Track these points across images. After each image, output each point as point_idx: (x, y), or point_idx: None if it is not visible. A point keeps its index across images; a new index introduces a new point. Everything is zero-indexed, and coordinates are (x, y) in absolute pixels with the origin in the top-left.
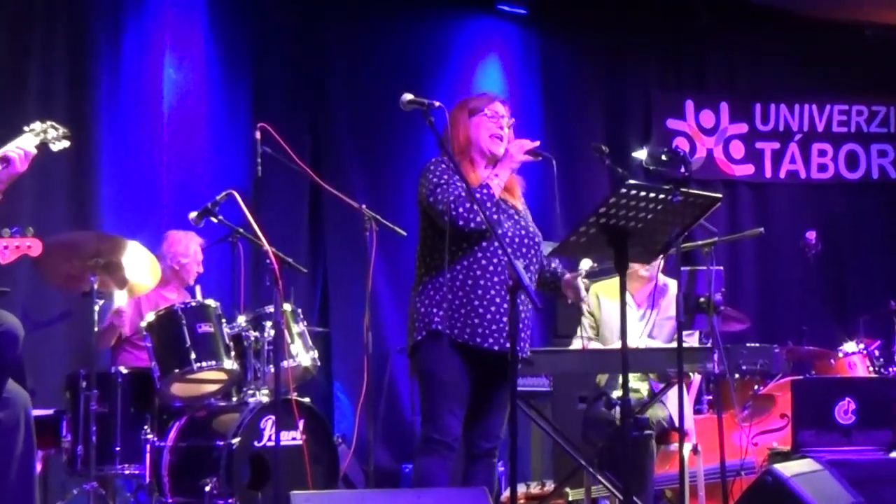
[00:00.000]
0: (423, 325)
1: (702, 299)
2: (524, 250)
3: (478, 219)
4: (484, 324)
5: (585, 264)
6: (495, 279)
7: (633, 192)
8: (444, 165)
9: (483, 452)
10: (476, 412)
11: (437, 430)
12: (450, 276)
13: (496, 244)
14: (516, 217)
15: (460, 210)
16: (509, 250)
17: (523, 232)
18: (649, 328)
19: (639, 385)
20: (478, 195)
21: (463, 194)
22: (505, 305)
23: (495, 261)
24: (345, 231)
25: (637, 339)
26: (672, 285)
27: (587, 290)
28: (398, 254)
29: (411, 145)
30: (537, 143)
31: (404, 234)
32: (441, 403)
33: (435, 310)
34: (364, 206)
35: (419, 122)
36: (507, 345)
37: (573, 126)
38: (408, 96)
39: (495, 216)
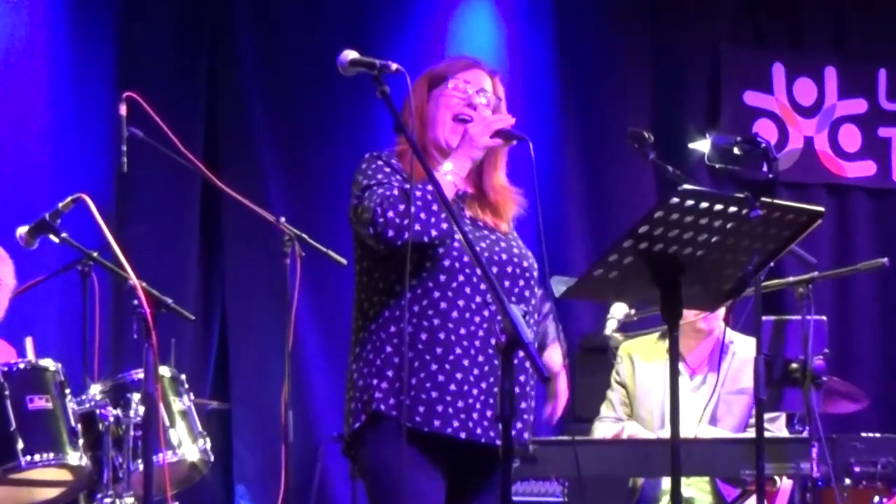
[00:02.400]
0: (361, 404)
1: (794, 365)
2: (507, 283)
3: (415, 227)
4: (446, 399)
5: (618, 311)
6: (461, 331)
7: (690, 202)
8: (380, 162)
9: None
10: None
11: None
12: (394, 328)
13: (462, 278)
14: (494, 237)
15: (388, 214)
16: (496, 283)
17: (505, 256)
18: (711, 408)
19: (697, 495)
20: (418, 193)
21: (397, 194)
22: (476, 371)
23: (461, 303)
24: (254, 257)
25: (693, 424)
26: (746, 344)
27: (617, 348)
28: (335, 292)
29: (358, 130)
30: (511, 121)
31: (344, 262)
32: None
33: (376, 381)
34: (283, 220)
35: (369, 95)
36: (481, 431)
37: (601, 103)
38: (350, 54)
39: (444, 225)
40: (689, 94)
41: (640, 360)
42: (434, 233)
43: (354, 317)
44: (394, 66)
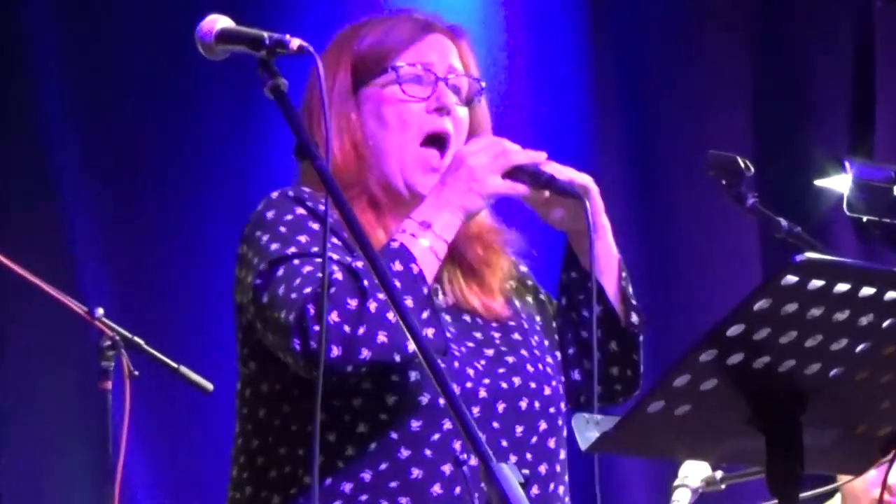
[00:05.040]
0: None
1: None
2: (521, 430)
3: (379, 339)
4: None
5: (694, 474)
6: None
7: (818, 282)
8: (299, 210)
9: None
10: None
11: None
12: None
13: (450, 425)
14: (493, 338)
15: (331, 319)
16: (483, 436)
17: (517, 381)
18: None
19: None
20: (370, 276)
21: (342, 278)
22: None
23: (447, 469)
24: (48, 374)
25: None
26: None
27: None
28: (192, 440)
29: (234, 155)
30: (543, 156)
31: (209, 387)
32: None
33: None
34: (101, 314)
35: (253, 92)
36: None
37: (660, 107)
38: (219, 22)
39: (430, 332)
40: (816, 91)
41: None
42: (412, 348)
43: (232, 480)
44: (295, 41)
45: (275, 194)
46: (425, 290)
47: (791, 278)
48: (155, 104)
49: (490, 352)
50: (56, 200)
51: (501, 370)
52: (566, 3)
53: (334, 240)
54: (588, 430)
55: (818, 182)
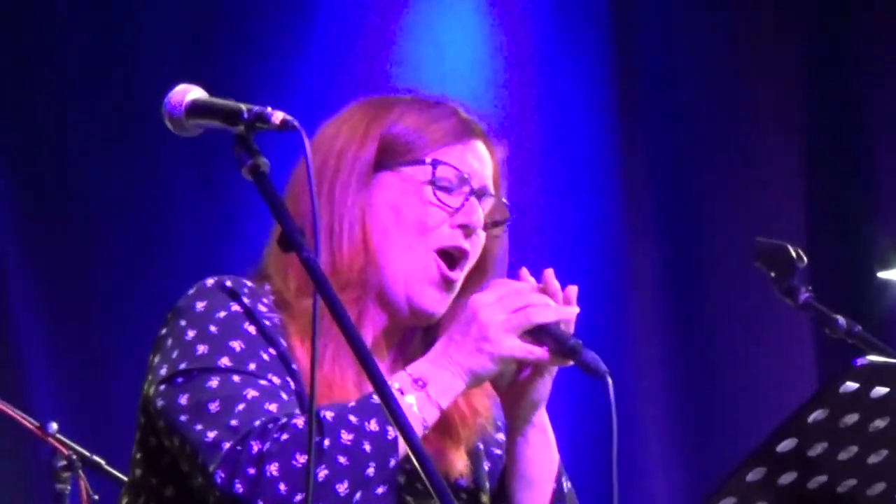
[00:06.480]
0: None
1: None
2: None
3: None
4: None
5: None
6: None
7: (883, 389)
8: (226, 311)
9: None
10: None
11: None
12: None
13: None
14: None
15: (279, 490)
16: None
17: None
18: None
19: None
20: (345, 437)
21: (301, 427)
22: None
23: None
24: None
25: None
26: None
27: None
28: None
29: (207, 248)
30: (574, 311)
31: None
32: None
33: None
34: (55, 430)
35: (228, 174)
36: None
37: (699, 190)
38: (190, 93)
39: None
40: (878, 171)
41: None
42: None
43: None
44: (278, 115)
45: (210, 281)
46: (392, 463)
47: (851, 385)
48: (108, 191)
49: None
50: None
51: None
52: (592, 81)
53: (271, 350)
54: None
55: (881, 274)
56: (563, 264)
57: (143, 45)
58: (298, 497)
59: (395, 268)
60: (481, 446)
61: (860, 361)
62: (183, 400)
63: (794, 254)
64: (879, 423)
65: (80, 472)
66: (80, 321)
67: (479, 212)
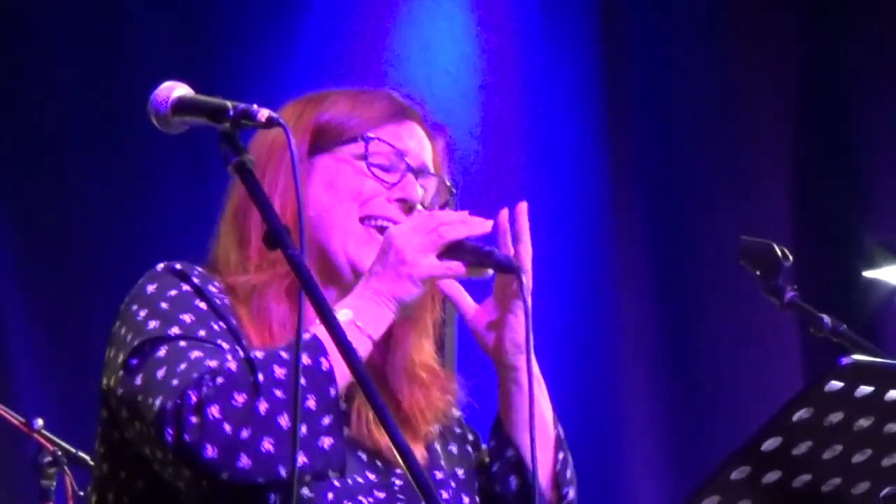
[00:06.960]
0: None
1: None
2: None
3: (263, 447)
4: None
5: None
6: None
7: (867, 388)
8: (177, 290)
9: None
10: None
11: None
12: None
13: None
14: (383, 482)
15: (223, 429)
16: None
17: None
18: None
19: None
20: (277, 370)
21: (234, 369)
22: None
23: None
24: None
25: None
26: None
27: None
28: None
29: (178, 249)
30: (486, 226)
31: None
32: None
33: None
34: (41, 425)
35: (212, 170)
36: None
37: (686, 188)
38: (176, 90)
39: (327, 442)
40: (865, 170)
41: None
42: (304, 461)
43: None
44: (263, 112)
45: (160, 266)
46: (332, 392)
47: (836, 384)
48: (96, 190)
49: (381, 495)
50: None
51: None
52: (579, 81)
53: (221, 324)
54: None
55: (867, 273)
56: (550, 266)
57: (133, 42)
58: (245, 433)
59: (334, 238)
60: (438, 428)
61: (845, 360)
62: (138, 380)
63: (779, 253)
64: (864, 422)
65: (66, 468)
66: (66, 317)
67: (418, 188)
